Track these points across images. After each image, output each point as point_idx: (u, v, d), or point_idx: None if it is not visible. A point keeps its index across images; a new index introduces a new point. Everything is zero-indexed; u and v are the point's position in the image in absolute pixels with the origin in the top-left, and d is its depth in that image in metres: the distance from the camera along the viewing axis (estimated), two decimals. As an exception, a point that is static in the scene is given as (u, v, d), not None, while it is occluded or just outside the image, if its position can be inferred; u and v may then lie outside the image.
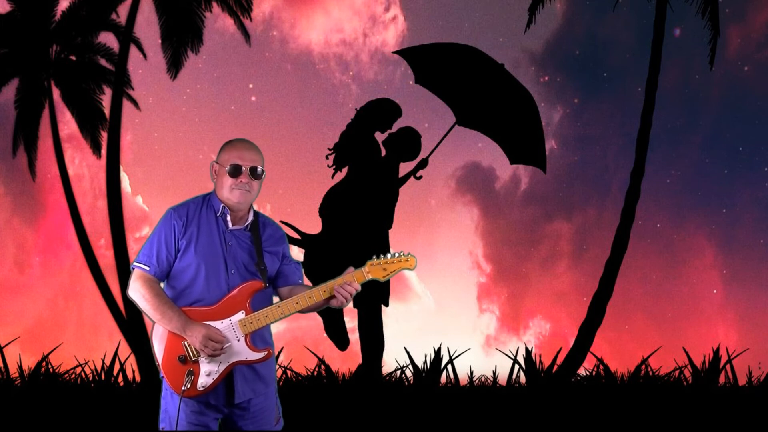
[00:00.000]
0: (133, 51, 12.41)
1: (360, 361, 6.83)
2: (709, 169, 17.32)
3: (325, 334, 6.68)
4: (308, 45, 18.47)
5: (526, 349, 8.15)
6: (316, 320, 6.71)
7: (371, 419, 5.89)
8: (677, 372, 8.20)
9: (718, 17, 10.34)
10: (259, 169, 2.28)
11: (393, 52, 9.01)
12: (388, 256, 2.24)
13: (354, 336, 6.76)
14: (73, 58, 13.08)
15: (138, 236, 14.85)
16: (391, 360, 14.56)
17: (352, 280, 2.22)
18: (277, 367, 7.44)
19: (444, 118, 6.88)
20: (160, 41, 12.04)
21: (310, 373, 8.07)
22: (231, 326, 2.20)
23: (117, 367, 8.07)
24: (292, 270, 2.40)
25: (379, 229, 6.73)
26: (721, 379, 7.98)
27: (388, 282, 3.71)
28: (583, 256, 17.74)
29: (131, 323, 10.66)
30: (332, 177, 6.82)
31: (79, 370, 8.31)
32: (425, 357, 7.92)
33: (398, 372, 8.13)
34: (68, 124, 13.55)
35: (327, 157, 6.83)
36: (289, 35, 18.44)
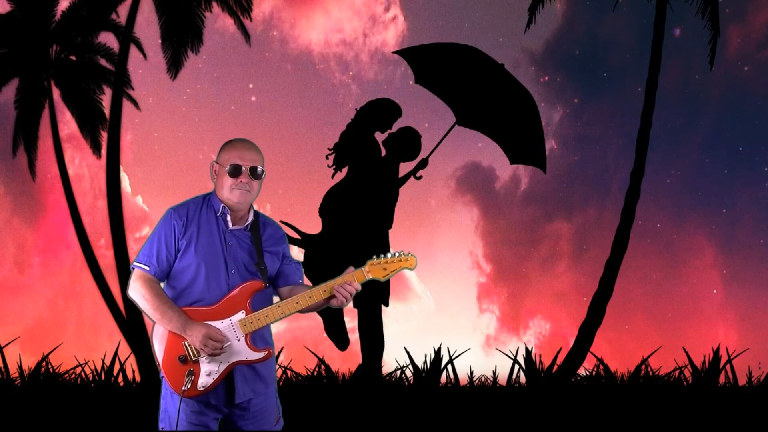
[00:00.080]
0: (133, 51, 12.43)
1: (360, 361, 6.83)
2: (709, 169, 17.34)
3: (325, 334, 6.68)
4: (308, 45, 18.48)
5: (526, 349, 8.17)
6: (316, 320, 6.72)
7: (371, 419, 5.89)
8: (677, 372, 8.21)
9: (718, 17, 10.35)
10: (259, 169, 2.28)
11: (393, 52, 9.02)
12: (388, 255, 2.24)
13: (354, 336, 6.77)
14: (73, 58, 13.08)
15: (138, 236, 14.87)
16: (391, 360, 14.57)
17: (352, 280, 2.22)
18: (277, 367, 7.44)
19: (444, 118, 6.89)
20: (160, 41, 12.05)
21: (310, 373, 8.08)
22: (231, 326, 2.20)
23: (117, 367, 8.07)
24: (293, 270, 2.40)
25: (379, 229, 6.73)
26: (721, 379, 7.98)
27: (388, 282, 3.71)
28: (583, 256, 17.75)
29: (131, 323, 10.66)
30: (332, 177, 6.83)
31: (79, 370, 8.32)
32: (425, 357, 7.93)
33: (398, 372, 8.14)
34: (68, 124, 13.57)
35: (327, 157, 6.83)
36: (289, 35, 18.46)
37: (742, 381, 8.09)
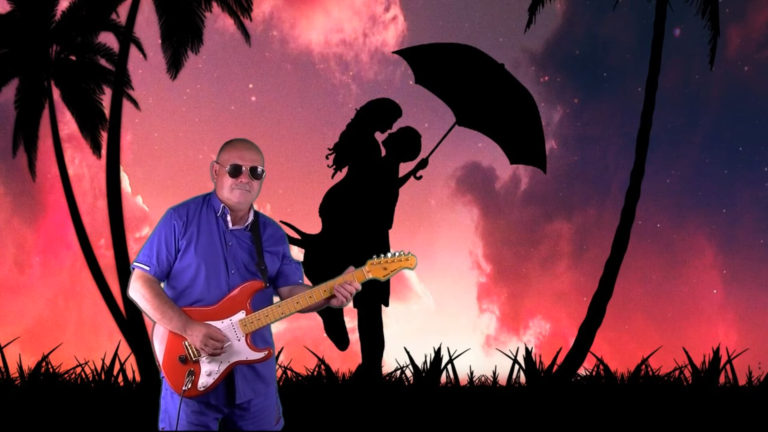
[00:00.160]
0: (133, 51, 12.43)
1: (360, 361, 6.83)
2: (709, 169, 17.34)
3: (325, 334, 6.68)
4: (308, 45, 18.48)
5: (526, 349, 8.17)
6: (316, 320, 6.72)
7: (371, 419, 5.89)
8: (677, 372, 8.21)
9: (718, 17, 10.35)
10: (259, 169, 2.29)
11: (393, 52, 9.02)
12: (389, 255, 2.25)
13: (354, 336, 6.77)
14: (73, 58, 13.08)
15: (138, 236, 14.87)
16: (391, 360, 14.57)
17: (352, 280, 2.23)
18: (277, 367, 7.44)
19: (444, 118, 6.89)
20: (160, 41, 12.05)
21: (310, 373, 8.08)
22: (231, 326, 2.20)
23: (117, 367, 8.07)
24: (293, 270, 2.41)
25: (379, 229, 6.73)
26: (721, 379, 7.99)
27: (388, 282, 3.71)
28: (583, 256, 17.75)
29: (131, 323, 10.66)
30: (332, 177, 6.83)
31: (79, 370, 8.32)
32: (425, 357, 7.93)
33: (398, 372, 8.14)
34: (68, 124, 13.57)
35: (327, 157, 6.83)
36: (289, 35, 18.46)
37: (742, 381, 8.10)
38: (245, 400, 2.27)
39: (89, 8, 12.43)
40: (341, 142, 6.85)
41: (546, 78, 18.08)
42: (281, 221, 6.01)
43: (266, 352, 2.24)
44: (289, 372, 8.06)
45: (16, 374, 8.17)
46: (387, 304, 6.70)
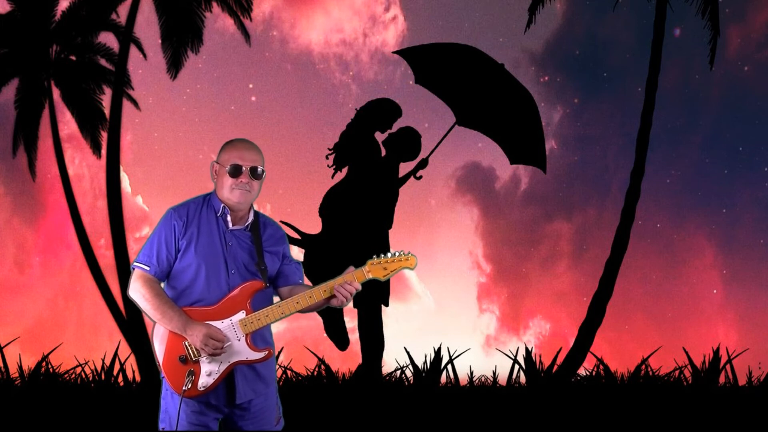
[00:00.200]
0: (133, 51, 12.43)
1: (360, 361, 6.83)
2: (709, 169, 17.34)
3: (325, 334, 6.68)
4: (308, 45, 18.48)
5: (526, 349, 8.17)
6: (316, 320, 6.72)
7: (371, 419, 5.89)
8: (677, 372, 8.21)
9: (718, 17, 10.35)
10: (259, 169, 2.29)
11: (393, 52, 9.03)
12: (389, 255, 2.25)
13: (354, 336, 6.77)
14: (73, 58, 13.08)
15: (138, 236, 14.87)
16: (391, 360, 14.56)
17: (352, 280, 2.23)
18: (277, 367, 7.44)
19: (444, 118, 6.89)
20: (160, 41, 12.05)
21: (310, 373, 8.08)
22: (232, 326, 2.20)
23: (117, 367, 8.07)
24: (293, 270, 2.41)
25: (379, 229, 6.73)
26: (721, 379, 7.99)
27: (388, 282, 3.72)
28: (583, 256, 17.75)
29: (131, 323, 10.66)
30: (332, 177, 6.83)
31: (79, 370, 8.33)
32: (425, 357, 7.93)
33: (398, 372, 8.14)
34: (68, 124, 13.57)
35: (327, 157, 6.83)
36: (289, 35, 18.46)
37: (742, 381, 8.10)
38: (245, 400, 2.27)
39: (89, 8, 12.43)
40: (341, 142, 6.85)
41: (546, 78, 18.10)
42: (281, 221, 6.01)
43: (266, 352, 2.24)
44: (289, 372, 8.06)
45: (16, 374, 8.17)
46: (387, 304, 6.70)
